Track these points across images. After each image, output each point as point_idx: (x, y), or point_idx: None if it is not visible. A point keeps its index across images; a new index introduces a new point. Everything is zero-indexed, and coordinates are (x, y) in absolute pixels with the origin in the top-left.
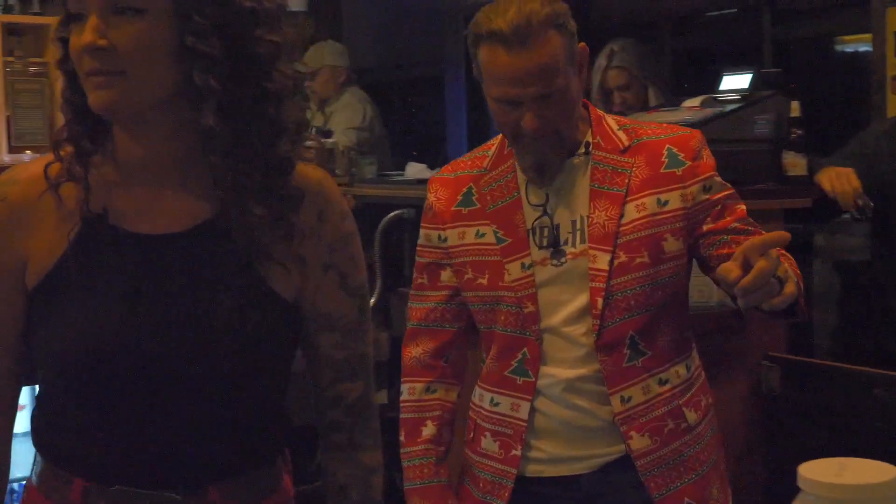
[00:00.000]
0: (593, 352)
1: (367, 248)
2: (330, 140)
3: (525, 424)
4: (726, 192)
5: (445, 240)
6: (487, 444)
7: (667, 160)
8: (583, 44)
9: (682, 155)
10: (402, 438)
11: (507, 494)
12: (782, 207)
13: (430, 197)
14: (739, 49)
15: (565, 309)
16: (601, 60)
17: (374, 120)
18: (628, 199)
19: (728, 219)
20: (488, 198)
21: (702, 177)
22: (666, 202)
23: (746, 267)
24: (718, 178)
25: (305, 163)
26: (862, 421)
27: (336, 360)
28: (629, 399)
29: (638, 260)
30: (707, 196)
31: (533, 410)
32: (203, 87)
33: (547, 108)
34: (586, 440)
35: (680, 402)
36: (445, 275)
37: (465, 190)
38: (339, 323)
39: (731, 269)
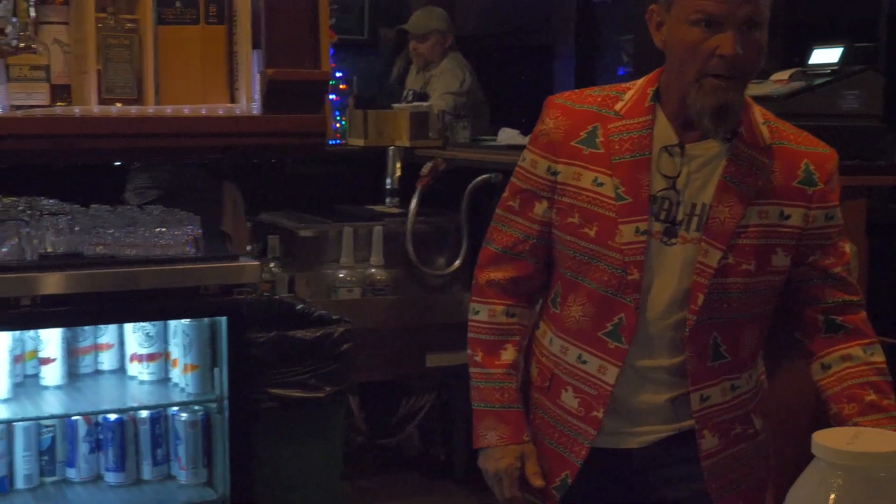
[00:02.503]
0: (681, 342)
1: (454, 211)
2: (425, 103)
3: (611, 389)
4: (840, 226)
5: (556, 173)
6: (567, 398)
7: (802, 175)
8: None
9: (818, 175)
10: (478, 357)
11: (584, 454)
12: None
13: (549, 122)
14: (852, 23)
15: (665, 290)
16: None
17: (473, 86)
18: (754, 201)
19: (834, 261)
20: (616, 147)
21: (829, 204)
22: (788, 217)
23: None
24: (839, 210)
25: None
26: None
27: None
28: (708, 398)
29: (744, 266)
30: (826, 224)
31: (619, 378)
32: None
33: (747, 41)
34: (645, 416)
35: (749, 408)
36: (540, 207)
37: (589, 128)
38: None
39: None
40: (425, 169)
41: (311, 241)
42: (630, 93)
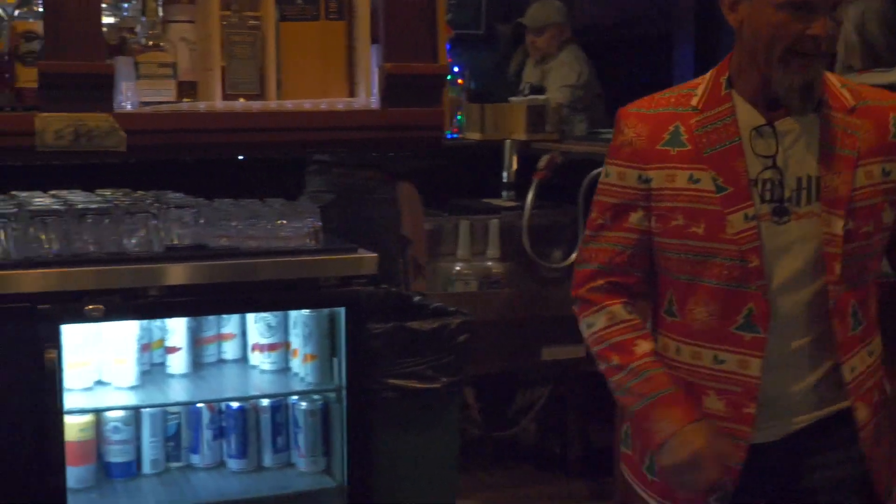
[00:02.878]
0: (822, 316)
1: (571, 204)
2: (542, 97)
3: (758, 381)
4: None
5: (649, 180)
6: (711, 402)
7: (893, 129)
8: None
9: None
10: (614, 362)
11: (742, 455)
12: None
13: (628, 132)
14: None
15: (788, 269)
16: None
17: (590, 78)
18: (860, 163)
19: None
20: (704, 140)
21: None
22: (889, 172)
23: None
24: None
25: None
26: None
27: None
28: (854, 369)
29: (864, 229)
30: None
31: (763, 368)
32: None
33: (833, 22)
34: (795, 403)
35: (881, 373)
36: (636, 216)
37: (671, 128)
38: None
39: None
40: (542, 162)
41: (428, 235)
42: (702, 86)
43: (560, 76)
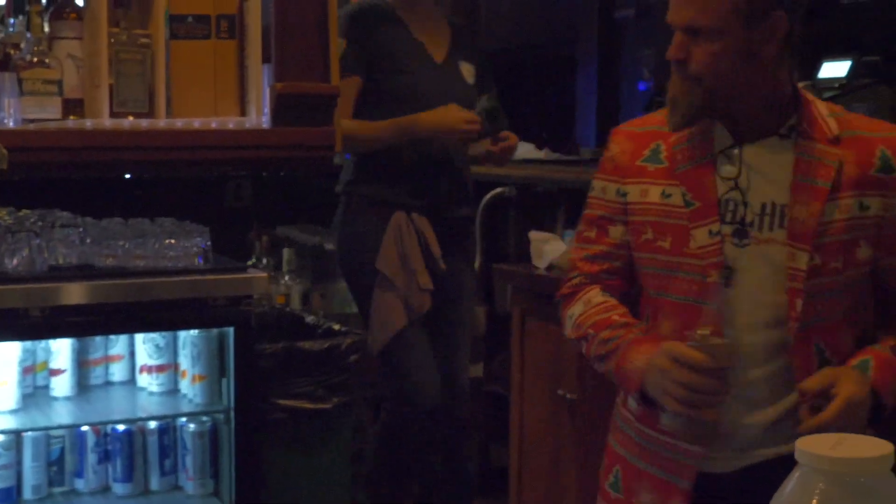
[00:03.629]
0: (776, 352)
1: (470, 224)
2: None
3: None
4: None
5: (625, 194)
6: (667, 419)
7: (879, 162)
8: (780, 11)
9: (895, 160)
10: (593, 332)
11: (692, 476)
12: None
13: (614, 148)
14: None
15: (749, 294)
16: None
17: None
18: (832, 196)
19: None
20: (679, 157)
21: None
22: (868, 207)
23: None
24: None
25: None
26: None
27: None
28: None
29: (831, 265)
30: None
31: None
32: None
33: (692, 47)
34: (748, 435)
35: None
36: (615, 230)
37: (652, 146)
38: None
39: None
40: None
41: (326, 255)
42: None
43: None
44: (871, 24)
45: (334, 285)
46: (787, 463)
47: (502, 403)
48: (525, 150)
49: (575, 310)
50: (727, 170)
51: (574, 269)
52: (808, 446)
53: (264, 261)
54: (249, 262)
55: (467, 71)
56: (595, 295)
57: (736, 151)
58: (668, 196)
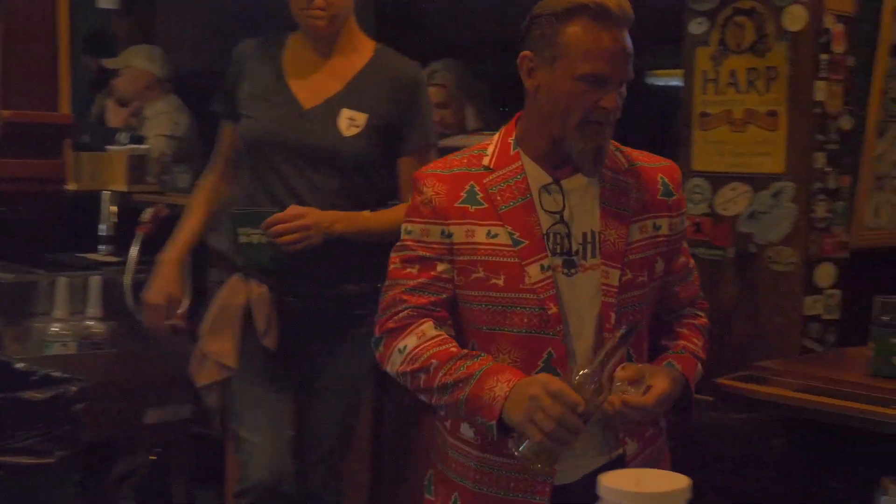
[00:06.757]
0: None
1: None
2: (143, 146)
3: None
4: (685, 229)
5: (451, 235)
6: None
7: (661, 188)
8: None
9: (672, 186)
10: (435, 362)
11: (548, 490)
12: None
13: (428, 191)
14: None
15: (582, 318)
16: None
17: (190, 129)
18: (633, 219)
19: (685, 259)
20: (498, 197)
21: (682, 210)
22: (659, 227)
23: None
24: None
25: None
26: None
27: None
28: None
29: (639, 279)
30: (681, 229)
31: None
32: None
33: (620, 94)
34: (587, 444)
35: None
36: (442, 266)
37: (467, 187)
38: None
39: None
40: (146, 215)
41: (19, 292)
42: (491, 147)
43: (157, 125)
44: None
45: (31, 325)
46: (620, 465)
47: (210, 446)
48: None
49: (408, 342)
50: (551, 204)
51: (399, 304)
52: (611, 482)
53: None
54: None
55: (349, 120)
56: (429, 328)
57: (556, 187)
58: (495, 236)
